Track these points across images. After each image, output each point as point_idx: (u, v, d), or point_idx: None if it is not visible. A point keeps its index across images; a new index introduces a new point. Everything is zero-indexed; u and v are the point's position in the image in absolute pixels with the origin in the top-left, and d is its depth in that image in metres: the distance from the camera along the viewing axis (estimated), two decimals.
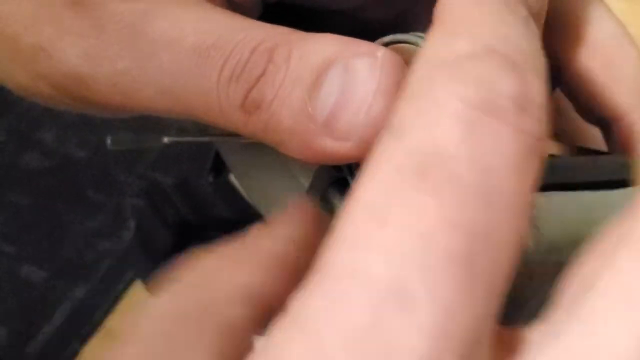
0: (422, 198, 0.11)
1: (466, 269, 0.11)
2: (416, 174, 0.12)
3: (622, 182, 0.19)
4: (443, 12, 0.14)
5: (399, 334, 0.11)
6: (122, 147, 0.25)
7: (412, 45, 0.20)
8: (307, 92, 0.16)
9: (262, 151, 0.24)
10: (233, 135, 0.26)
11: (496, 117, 0.12)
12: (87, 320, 0.37)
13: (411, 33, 0.22)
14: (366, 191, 0.12)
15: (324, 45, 0.16)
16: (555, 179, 0.19)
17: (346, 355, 0.11)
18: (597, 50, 0.20)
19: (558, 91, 0.22)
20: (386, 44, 0.20)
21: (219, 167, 0.37)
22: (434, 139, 0.12)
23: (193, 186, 0.40)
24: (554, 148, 0.21)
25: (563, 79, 0.20)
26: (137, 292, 0.38)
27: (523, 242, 0.12)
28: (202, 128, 0.27)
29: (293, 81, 0.16)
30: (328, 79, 0.16)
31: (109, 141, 0.24)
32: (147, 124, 0.24)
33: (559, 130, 0.23)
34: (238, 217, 0.43)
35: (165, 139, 0.24)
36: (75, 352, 0.36)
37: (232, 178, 0.32)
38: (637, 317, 0.11)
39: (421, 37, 0.21)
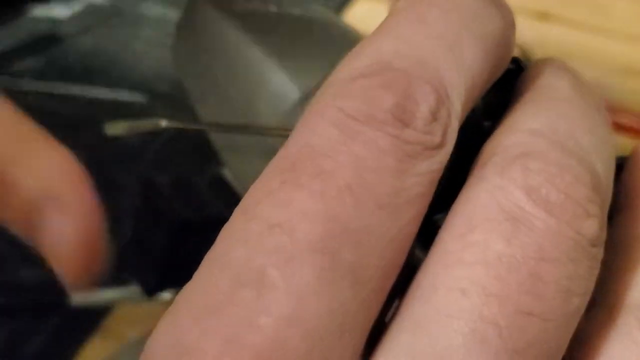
0: (287, 191, 0.12)
1: (327, 259, 0.12)
2: (285, 171, 0.12)
3: None
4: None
5: (250, 314, 0.12)
6: (119, 132, 0.25)
7: None
8: None
9: (257, 144, 0.24)
10: (231, 125, 0.26)
11: (372, 126, 0.12)
12: (86, 320, 0.37)
13: None
14: (249, 192, 0.13)
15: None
16: None
17: (195, 326, 0.12)
18: None
19: None
20: None
21: (217, 166, 0.37)
22: (309, 141, 0.12)
23: (191, 185, 0.39)
24: None
25: None
26: (134, 292, 0.38)
27: (409, 240, 0.13)
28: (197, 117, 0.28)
29: None
30: None
31: (106, 127, 0.24)
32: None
33: None
34: None
35: (163, 123, 0.24)
36: (74, 353, 0.36)
37: (226, 173, 0.32)
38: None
39: None
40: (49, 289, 0.38)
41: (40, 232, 0.21)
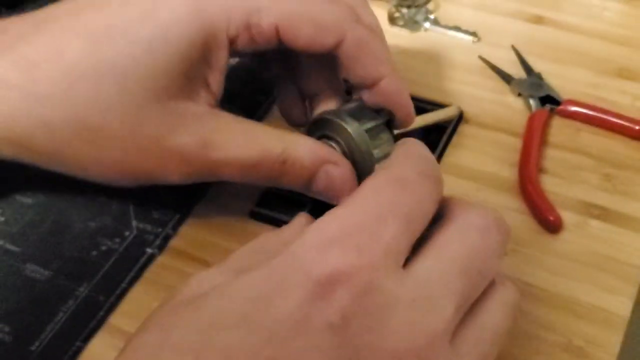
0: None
1: (406, 219, 0.28)
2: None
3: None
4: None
5: (380, 235, 0.27)
6: None
7: (335, 120, 0.35)
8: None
9: None
10: None
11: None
12: (91, 318, 0.37)
13: (331, 111, 0.31)
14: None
15: (309, 152, 0.35)
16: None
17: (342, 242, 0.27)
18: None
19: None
20: (320, 133, 0.37)
21: None
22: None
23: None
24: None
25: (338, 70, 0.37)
26: (140, 290, 0.39)
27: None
28: None
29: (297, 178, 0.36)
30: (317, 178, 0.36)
31: None
32: None
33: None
34: None
35: None
36: (79, 350, 0.36)
37: None
38: None
39: (340, 113, 0.36)
40: (54, 285, 0.38)
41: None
